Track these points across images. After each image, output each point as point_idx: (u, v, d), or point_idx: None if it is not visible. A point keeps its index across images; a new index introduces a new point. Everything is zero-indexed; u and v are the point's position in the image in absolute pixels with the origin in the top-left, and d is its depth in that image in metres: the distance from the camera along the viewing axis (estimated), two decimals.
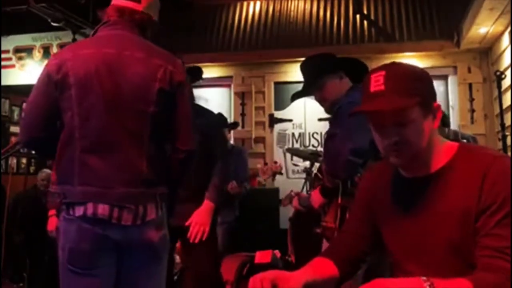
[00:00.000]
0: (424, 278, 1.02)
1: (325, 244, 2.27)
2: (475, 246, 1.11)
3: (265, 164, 4.90)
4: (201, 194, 2.53)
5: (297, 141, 5.32)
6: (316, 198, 2.30)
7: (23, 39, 5.31)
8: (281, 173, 4.59)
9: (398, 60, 1.29)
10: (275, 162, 4.69)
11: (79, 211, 1.62)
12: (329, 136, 2.25)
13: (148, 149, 1.67)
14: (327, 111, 2.47)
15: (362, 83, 1.22)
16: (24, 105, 1.79)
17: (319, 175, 2.49)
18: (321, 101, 2.42)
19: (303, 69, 2.47)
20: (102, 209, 1.62)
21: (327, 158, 2.23)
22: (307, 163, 4.14)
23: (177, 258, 3.17)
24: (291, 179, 5.08)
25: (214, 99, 5.47)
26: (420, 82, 1.18)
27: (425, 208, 1.20)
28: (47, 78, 1.69)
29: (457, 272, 1.09)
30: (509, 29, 3.95)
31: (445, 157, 1.21)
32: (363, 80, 1.22)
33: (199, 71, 2.78)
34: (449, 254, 1.15)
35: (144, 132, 1.67)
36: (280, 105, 5.35)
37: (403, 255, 1.25)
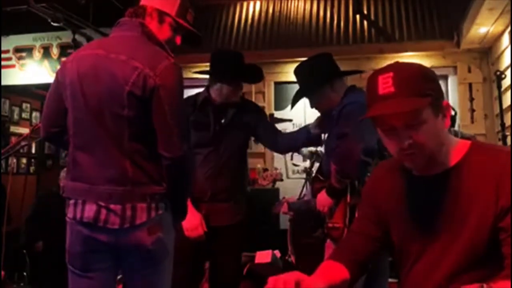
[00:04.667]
0: (485, 285, 1.00)
1: (328, 245, 2.26)
2: (490, 244, 1.10)
3: (265, 170, 4.89)
4: (236, 195, 2.54)
5: None
6: (324, 201, 2.26)
7: (23, 39, 5.31)
8: (281, 180, 4.59)
9: (398, 60, 1.28)
10: (276, 169, 4.69)
11: (70, 213, 1.69)
12: (338, 136, 2.22)
13: (129, 150, 1.66)
14: (323, 114, 2.48)
15: (367, 85, 1.19)
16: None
17: (319, 176, 2.47)
18: (316, 107, 2.46)
19: (296, 74, 2.49)
20: (89, 211, 1.64)
21: (338, 159, 2.18)
22: (307, 163, 4.15)
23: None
24: (291, 179, 5.07)
25: None
26: (429, 81, 1.15)
27: (439, 207, 1.19)
28: (55, 78, 1.81)
29: (472, 271, 1.09)
30: (509, 29, 3.95)
31: (458, 155, 1.20)
32: (368, 82, 1.19)
33: (257, 72, 2.72)
34: (464, 252, 1.14)
35: (122, 134, 1.66)
36: (280, 105, 5.35)
37: (415, 255, 1.24)
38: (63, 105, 1.76)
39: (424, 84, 1.13)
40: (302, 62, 2.52)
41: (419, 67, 1.19)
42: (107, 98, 1.66)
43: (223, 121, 2.55)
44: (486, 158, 1.16)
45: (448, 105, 1.19)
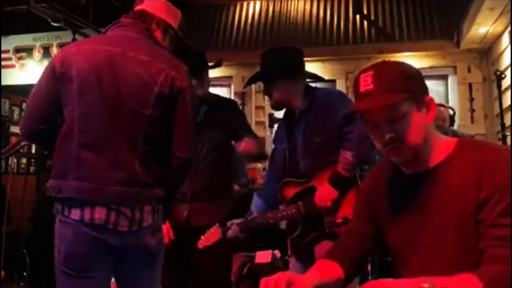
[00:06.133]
0: (424, 278, 1.01)
1: (323, 246, 2.21)
2: (477, 238, 1.11)
3: (264, 169, 4.89)
4: (217, 193, 2.52)
5: None
6: (328, 193, 2.19)
7: (23, 39, 5.31)
8: None
9: (398, 60, 1.31)
10: None
11: (75, 214, 1.60)
12: (344, 121, 2.18)
13: (141, 151, 1.65)
14: (273, 108, 2.43)
15: (353, 85, 1.25)
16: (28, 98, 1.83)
17: (293, 180, 2.32)
18: (273, 97, 2.35)
19: (267, 57, 2.41)
20: (99, 213, 1.60)
21: (356, 143, 2.13)
22: None
23: None
24: None
25: None
26: (408, 77, 1.19)
27: (426, 203, 1.20)
28: (50, 70, 1.69)
29: (461, 266, 1.09)
30: (509, 29, 3.95)
31: (444, 152, 1.22)
32: (354, 81, 1.24)
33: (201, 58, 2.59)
34: (452, 248, 1.14)
35: (138, 133, 1.65)
36: None
37: (405, 252, 1.25)
38: (58, 100, 1.67)
39: (402, 80, 1.17)
40: (274, 48, 2.46)
41: (399, 65, 1.24)
42: (129, 96, 1.64)
43: (198, 119, 2.51)
44: (470, 153, 1.18)
45: (431, 100, 1.22)
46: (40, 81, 1.72)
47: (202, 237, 2.35)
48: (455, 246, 1.14)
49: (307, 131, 2.31)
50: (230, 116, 2.60)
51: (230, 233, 2.33)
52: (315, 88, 2.44)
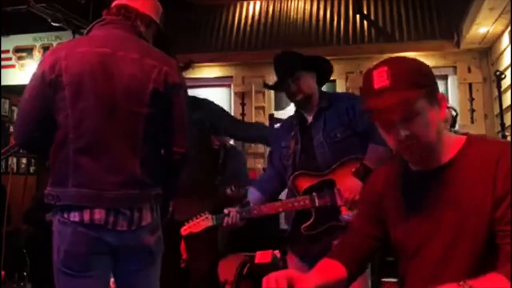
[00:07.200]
0: (461, 282, 1.00)
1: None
2: (490, 236, 1.10)
3: (264, 169, 4.88)
4: (202, 188, 2.54)
5: None
6: (357, 186, 2.18)
7: (23, 39, 5.31)
8: None
9: (408, 56, 1.29)
10: None
11: (74, 216, 1.60)
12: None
13: (141, 151, 1.65)
14: (299, 104, 2.42)
15: (363, 82, 1.22)
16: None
17: (307, 172, 2.31)
18: (296, 93, 2.36)
19: (281, 61, 2.45)
20: (99, 214, 1.59)
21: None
22: None
23: None
24: None
25: (214, 99, 5.44)
26: (423, 74, 1.18)
27: (437, 202, 1.19)
28: (41, 77, 1.65)
29: (471, 264, 1.09)
30: (509, 29, 3.95)
31: (455, 148, 1.21)
32: (363, 79, 1.22)
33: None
34: (464, 246, 1.13)
35: (137, 133, 1.64)
36: (280, 105, 5.35)
37: (414, 252, 1.23)
38: (49, 107, 1.64)
39: (418, 76, 1.16)
40: (287, 51, 2.53)
41: (412, 60, 1.22)
42: (125, 96, 1.62)
43: None
44: (483, 149, 1.18)
45: (443, 97, 1.21)
46: (31, 87, 1.68)
47: (186, 223, 2.33)
48: (469, 245, 1.13)
49: (329, 127, 2.33)
50: (205, 113, 2.67)
51: (227, 220, 2.29)
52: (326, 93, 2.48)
